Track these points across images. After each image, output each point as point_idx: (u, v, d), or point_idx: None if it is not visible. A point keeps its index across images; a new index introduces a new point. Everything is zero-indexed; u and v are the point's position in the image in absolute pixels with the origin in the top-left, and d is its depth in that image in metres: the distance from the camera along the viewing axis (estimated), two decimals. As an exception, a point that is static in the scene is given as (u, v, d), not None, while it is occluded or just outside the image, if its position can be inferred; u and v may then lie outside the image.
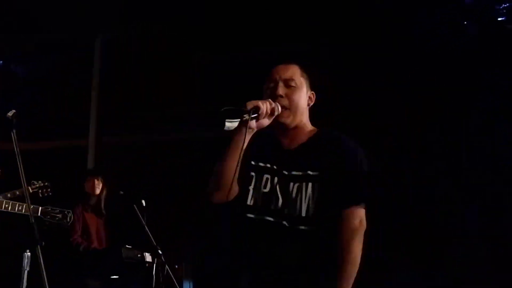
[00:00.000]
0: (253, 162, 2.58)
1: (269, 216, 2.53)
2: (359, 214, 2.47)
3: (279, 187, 2.56)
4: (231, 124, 2.45)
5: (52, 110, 8.17)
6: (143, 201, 5.55)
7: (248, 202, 2.57)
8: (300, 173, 2.55)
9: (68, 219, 4.88)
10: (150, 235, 5.34)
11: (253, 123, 2.41)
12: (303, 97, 2.64)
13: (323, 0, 6.89)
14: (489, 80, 6.67)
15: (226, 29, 7.37)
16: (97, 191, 6.12)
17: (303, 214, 2.49)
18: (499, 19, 6.81)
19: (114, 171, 6.68)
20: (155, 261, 5.34)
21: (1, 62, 9.01)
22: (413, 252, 6.45)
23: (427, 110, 6.83)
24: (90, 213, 6.09)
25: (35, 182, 5.21)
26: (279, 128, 2.61)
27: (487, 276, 6.03)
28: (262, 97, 2.59)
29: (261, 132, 2.53)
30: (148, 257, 5.52)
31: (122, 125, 7.96)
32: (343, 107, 6.82)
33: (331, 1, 6.88)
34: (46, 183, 5.25)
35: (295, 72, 2.66)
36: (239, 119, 2.42)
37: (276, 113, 2.47)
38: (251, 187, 2.57)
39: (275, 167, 2.60)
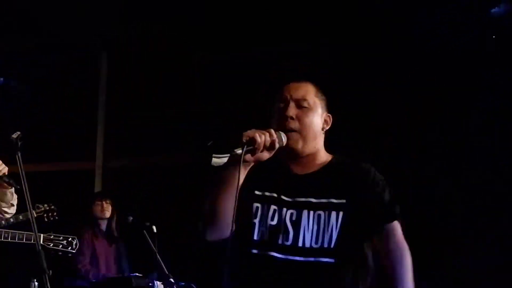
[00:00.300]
0: (257, 192, 2.35)
1: (279, 253, 2.30)
2: (400, 229, 2.36)
3: (289, 218, 2.33)
4: (219, 160, 2.20)
5: (57, 131, 8.04)
6: (154, 227, 5.49)
7: (255, 237, 2.34)
8: (321, 200, 2.33)
9: (74, 246, 4.73)
10: (162, 263, 5.28)
11: (248, 157, 2.19)
12: (317, 119, 2.41)
13: (323, 0, 6.83)
14: (489, 80, 6.64)
15: (226, 29, 7.27)
16: (107, 215, 6.09)
17: (325, 245, 2.28)
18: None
19: (122, 195, 6.55)
20: None
21: (2, 79, 8.99)
22: (413, 252, 6.40)
23: (427, 110, 6.79)
24: (100, 239, 6.06)
25: (40, 206, 5.13)
26: (288, 154, 2.37)
27: (487, 276, 6.01)
28: (270, 117, 2.43)
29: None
30: (159, 287, 5.39)
31: (129, 147, 7.90)
32: (343, 107, 6.78)
33: (331, 1, 6.81)
34: (52, 207, 5.16)
35: (308, 91, 2.43)
36: (228, 154, 2.19)
37: (278, 146, 2.24)
38: (256, 220, 2.34)
39: (282, 196, 2.36)
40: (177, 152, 7.48)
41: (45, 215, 5.12)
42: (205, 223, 2.29)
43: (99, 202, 6.09)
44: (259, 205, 2.34)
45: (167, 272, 5.06)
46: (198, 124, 7.27)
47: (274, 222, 2.32)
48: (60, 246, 4.61)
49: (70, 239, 4.69)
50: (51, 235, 4.66)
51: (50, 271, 3.67)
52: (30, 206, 3.65)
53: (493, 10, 6.80)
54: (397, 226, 2.33)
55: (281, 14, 6.91)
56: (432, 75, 6.74)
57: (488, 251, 6.20)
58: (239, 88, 7.44)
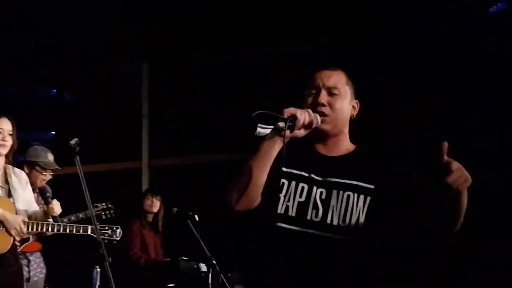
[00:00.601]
0: (284, 169, 2.27)
1: (308, 228, 2.24)
2: None
3: (319, 196, 2.27)
4: (264, 130, 2.20)
5: (108, 135, 8.18)
6: (196, 216, 5.45)
7: (279, 211, 2.27)
8: (351, 182, 2.29)
9: (118, 234, 4.66)
10: (204, 247, 5.24)
11: (287, 132, 2.16)
12: (347, 106, 2.39)
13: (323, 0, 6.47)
14: (489, 80, 6.48)
15: (226, 29, 6.95)
16: (155, 209, 6.16)
17: (352, 225, 2.24)
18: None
19: (165, 190, 6.66)
20: (210, 271, 5.28)
21: (55, 91, 9.18)
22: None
23: (427, 110, 6.61)
24: (147, 229, 6.11)
25: (99, 205, 5.23)
26: (317, 136, 2.34)
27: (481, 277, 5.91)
28: (300, 103, 2.37)
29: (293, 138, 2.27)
30: (203, 267, 5.52)
31: (171, 148, 7.92)
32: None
33: (331, 1, 6.45)
34: (109, 205, 5.26)
35: (339, 80, 2.40)
36: (272, 126, 2.19)
37: (314, 126, 2.23)
38: (282, 195, 2.28)
39: (313, 175, 2.31)
40: (214, 151, 7.46)
41: (102, 213, 5.23)
42: (237, 192, 2.22)
43: (150, 198, 6.16)
44: (285, 181, 2.29)
45: (209, 255, 5.00)
46: (229, 124, 7.07)
47: (303, 199, 2.27)
48: (106, 235, 4.55)
49: (114, 228, 4.63)
50: (98, 225, 4.79)
51: (110, 258, 3.84)
52: (90, 203, 3.81)
53: (491, 9, 6.75)
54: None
55: (281, 14, 6.63)
56: (432, 75, 6.57)
57: (488, 251, 6.06)
58: (239, 88, 7.33)
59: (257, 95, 7.03)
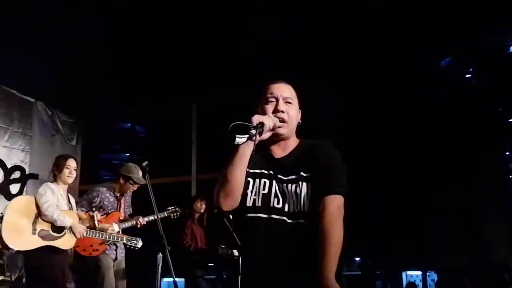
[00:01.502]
0: (248, 169, 2.07)
1: (272, 214, 2.08)
2: (338, 202, 2.04)
3: (278, 188, 2.12)
4: (241, 140, 2.02)
5: (165, 156, 8.19)
6: (230, 216, 5.49)
7: (248, 204, 2.10)
8: (295, 176, 2.13)
9: (139, 245, 4.84)
10: (236, 238, 5.36)
11: (257, 137, 2.02)
12: (297, 113, 2.24)
13: (320, 44, 6.13)
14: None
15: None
16: (202, 210, 6.17)
17: (303, 209, 2.06)
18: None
19: (209, 197, 6.69)
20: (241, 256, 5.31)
21: (129, 124, 9.40)
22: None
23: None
24: (196, 224, 6.12)
25: (169, 208, 5.22)
26: (273, 139, 2.17)
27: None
28: (258, 109, 2.20)
29: None
30: (236, 253, 5.52)
31: (213, 165, 7.87)
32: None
33: (325, 45, 6.09)
34: (177, 208, 5.23)
35: (292, 92, 2.24)
36: (247, 135, 2.01)
37: (275, 128, 2.11)
38: (249, 191, 2.11)
39: (271, 172, 2.15)
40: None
41: (172, 214, 5.20)
42: (223, 194, 2.03)
43: (199, 201, 6.16)
44: (251, 179, 2.12)
45: (239, 243, 5.13)
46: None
47: (266, 191, 2.12)
48: (133, 243, 4.78)
49: (138, 239, 4.81)
50: (129, 238, 4.81)
51: (169, 247, 4.01)
52: (156, 209, 4.01)
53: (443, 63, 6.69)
54: (334, 199, 2.04)
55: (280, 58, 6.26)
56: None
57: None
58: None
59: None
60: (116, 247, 4.94)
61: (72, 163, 4.46)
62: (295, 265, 2.01)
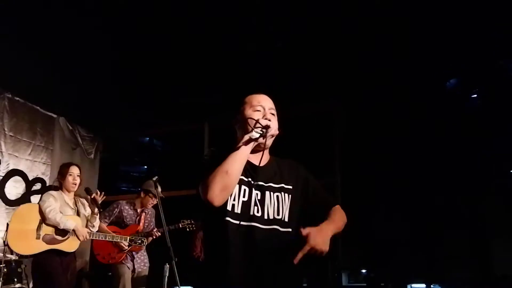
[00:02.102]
0: None
1: (252, 222, 2.03)
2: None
3: (257, 196, 2.09)
4: (255, 134, 2.05)
5: (180, 169, 8.21)
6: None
7: (227, 207, 2.03)
8: (277, 185, 2.14)
9: (143, 245, 4.81)
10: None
11: (260, 139, 2.06)
12: (277, 124, 2.20)
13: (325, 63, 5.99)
14: None
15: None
16: None
17: (281, 217, 2.08)
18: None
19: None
20: None
21: (148, 138, 9.43)
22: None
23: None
24: None
25: (185, 220, 5.22)
26: (255, 148, 2.12)
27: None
28: (242, 121, 2.19)
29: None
30: None
31: None
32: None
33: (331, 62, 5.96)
34: (192, 221, 5.20)
35: (272, 103, 2.23)
36: (261, 132, 2.05)
37: (274, 135, 2.14)
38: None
39: (250, 179, 2.11)
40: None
41: (187, 226, 5.20)
42: (219, 189, 1.94)
43: None
44: None
45: None
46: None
47: (246, 199, 2.07)
48: (138, 242, 4.73)
49: (141, 239, 4.77)
50: (133, 237, 4.79)
51: (176, 258, 3.97)
52: (164, 221, 3.95)
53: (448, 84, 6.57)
54: (338, 207, 2.18)
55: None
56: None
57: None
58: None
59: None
60: (133, 257, 4.96)
61: (75, 170, 4.49)
62: (274, 272, 2.00)
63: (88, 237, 4.40)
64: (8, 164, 6.24)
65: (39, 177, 6.73)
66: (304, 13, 5.14)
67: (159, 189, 4.58)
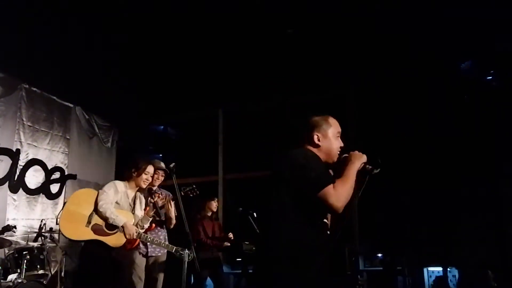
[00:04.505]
0: None
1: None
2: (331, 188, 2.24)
3: None
4: (376, 171, 2.27)
5: (195, 157, 8.24)
6: (255, 214, 5.49)
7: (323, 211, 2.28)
8: None
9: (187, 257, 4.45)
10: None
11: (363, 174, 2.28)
12: None
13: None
14: None
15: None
16: (216, 209, 6.15)
17: None
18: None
19: (235, 195, 6.64)
20: None
21: (162, 127, 9.48)
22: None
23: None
24: (207, 220, 6.04)
25: (185, 187, 4.77)
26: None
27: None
28: (326, 138, 2.37)
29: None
30: None
31: (238, 166, 7.91)
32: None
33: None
34: (194, 186, 4.80)
35: None
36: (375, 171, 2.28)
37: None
38: None
39: None
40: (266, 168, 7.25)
41: (190, 193, 4.77)
42: (346, 202, 2.14)
43: (214, 201, 6.11)
44: None
45: None
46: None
47: None
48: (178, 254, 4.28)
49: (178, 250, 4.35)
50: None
51: (195, 244, 3.93)
52: (181, 202, 3.96)
53: (462, 65, 6.58)
54: (329, 187, 2.16)
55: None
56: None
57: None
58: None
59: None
60: (147, 244, 4.74)
61: (150, 170, 4.43)
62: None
63: (135, 236, 4.23)
64: (27, 154, 6.28)
65: (58, 166, 6.76)
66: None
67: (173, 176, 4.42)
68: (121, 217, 4.20)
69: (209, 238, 5.89)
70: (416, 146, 6.53)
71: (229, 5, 5.28)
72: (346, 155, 2.33)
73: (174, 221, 4.77)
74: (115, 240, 4.20)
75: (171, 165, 4.47)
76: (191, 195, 4.80)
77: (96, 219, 4.19)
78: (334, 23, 5.60)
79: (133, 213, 4.39)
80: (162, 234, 4.88)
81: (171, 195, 4.87)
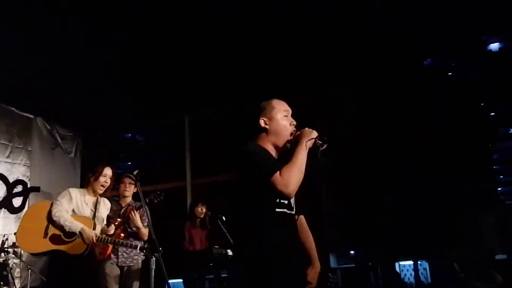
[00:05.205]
0: None
1: (291, 210, 2.31)
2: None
3: None
4: (321, 145, 2.28)
5: (161, 163, 8.21)
6: (224, 217, 5.50)
7: (277, 200, 2.24)
8: None
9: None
10: (230, 238, 5.31)
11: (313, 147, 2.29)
12: None
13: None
14: None
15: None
16: (203, 214, 6.03)
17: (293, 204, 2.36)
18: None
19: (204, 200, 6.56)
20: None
21: (130, 134, 9.36)
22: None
23: None
24: (196, 228, 5.98)
25: (151, 194, 4.62)
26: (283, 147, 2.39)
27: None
28: (274, 119, 2.37)
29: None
30: (230, 252, 5.43)
31: (206, 171, 7.88)
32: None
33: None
34: (159, 192, 4.68)
35: None
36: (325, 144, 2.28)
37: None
38: None
39: None
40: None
41: (154, 198, 4.58)
42: (298, 183, 2.15)
43: (199, 206, 6.00)
44: None
45: (233, 243, 5.04)
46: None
47: None
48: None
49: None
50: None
51: (162, 250, 3.91)
52: (148, 213, 3.89)
53: (425, 62, 6.60)
54: (275, 176, 2.16)
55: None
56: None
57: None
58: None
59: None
60: (117, 250, 4.65)
61: (108, 172, 4.31)
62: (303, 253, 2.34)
63: (94, 241, 4.11)
64: (-14, 168, 6.09)
65: (20, 179, 6.58)
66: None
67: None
68: (77, 223, 4.09)
69: (192, 247, 5.86)
70: (382, 144, 6.59)
71: (229, 5, 5.18)
72: (299, 132, 2.33)
73: (144, 231, 4.65)
74: (74, 248, 4.08)
75: (135, 172, 4.36)
76: (156, 201, 4.69)
77: (53, 230, 4.10)
78: (334, 23, 5.61)
79: (95, 218, 4.27)
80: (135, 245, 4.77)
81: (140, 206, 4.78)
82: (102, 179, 4.26)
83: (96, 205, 4.30)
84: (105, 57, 5.91)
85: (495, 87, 6.36)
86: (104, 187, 4.28)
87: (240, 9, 5.22)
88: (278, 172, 2.15)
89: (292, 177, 2.13)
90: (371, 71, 6.33)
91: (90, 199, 4.30)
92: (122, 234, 4.54)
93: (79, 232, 4.06)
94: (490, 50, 6.37)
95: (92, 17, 5.22)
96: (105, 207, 4.40)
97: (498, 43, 6.33)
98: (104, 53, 5.85)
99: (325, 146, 2.26)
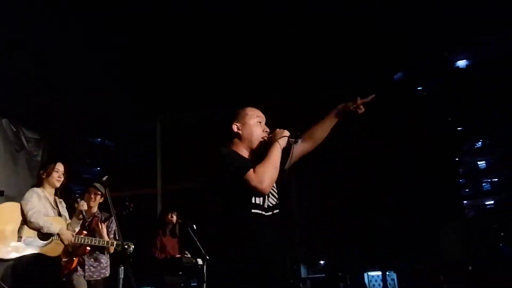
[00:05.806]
0: None
1: (267, 212, 2.31)
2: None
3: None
4: (297, 143, 2.36)
5: (131, 169, 8.09)
6: (194, 226, 5.36)
7: (253, 201, 2.26)
8: None
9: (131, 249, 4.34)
10: (200, 247, 5.17)
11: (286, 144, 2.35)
12: None
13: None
14: None
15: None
16: (174, 221, 5.94)
17: (278, 202, 2.39)
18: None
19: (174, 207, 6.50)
20: (205, 264, 5.05)
21: (99, 139, 9.19)
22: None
23: None
24: (167, 236, 5.90)
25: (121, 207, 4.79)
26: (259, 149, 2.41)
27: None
28: (247, 125, 2.42)
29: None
30: (199, 261, 5.39)
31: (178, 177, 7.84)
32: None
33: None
34: (127, 203, 4.85)
35: None
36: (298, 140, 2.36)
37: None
38: None
39: None
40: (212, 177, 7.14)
41: (122, 210, 4.74)
42: (271, 180, 2.19)
43: (170, 213, 5.93)
44: None
45: (203, 252, 4.96)
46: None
47: None
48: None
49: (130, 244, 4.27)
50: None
51: (131, 259, 3.84)
52: (115, 215, 3.80)
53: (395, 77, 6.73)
54: (249, 173, 2.19)
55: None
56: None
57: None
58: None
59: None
60: (83, 263, 4.51)
61: (60, 167, 4.21)
62: (283, 254, 2.34)
63: (73, 241, 4.08)
64: None
65: (-18, 183, 6.36)
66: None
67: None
68: (55, 224, 4.00)
69: (163, 255, 5.75)
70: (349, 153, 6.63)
71: (228, 5, 5.16)
72: (270, 135, 2.38)
73: (111, 243, 4.52)
74: (52, 249, 4.00)
75: (104, 179, 4.24)
76: (124, 213, 4.76)
77: (27, 231, 3.95)
78: (334, 23, 5.63)
79: (61, 215, 4.19)
80: (103, 259, 4.67)
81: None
82: (55, 174, 4.16)
83: (56, 204, 4.23)
84: (72, 58, 5.87)
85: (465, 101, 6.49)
86: (59, 181, 4.18)
87: (240, 9, 5.25)
88: (251, 170, 2.19)
89: (266, 173, 2.17)
90: (371, 71, 6.43)
91: (50, 197, 4.20)
92: (88, 248, 4.44)
93: (57, 233, 3.98)
94: (458, 67, 6.52)
95: (92, 17, 5.13)
96: (63, 206, 4.33)
97: (465, 60, 6.50)
98: (70, 54, 5.78)
99: (299, 142, 2.33)
